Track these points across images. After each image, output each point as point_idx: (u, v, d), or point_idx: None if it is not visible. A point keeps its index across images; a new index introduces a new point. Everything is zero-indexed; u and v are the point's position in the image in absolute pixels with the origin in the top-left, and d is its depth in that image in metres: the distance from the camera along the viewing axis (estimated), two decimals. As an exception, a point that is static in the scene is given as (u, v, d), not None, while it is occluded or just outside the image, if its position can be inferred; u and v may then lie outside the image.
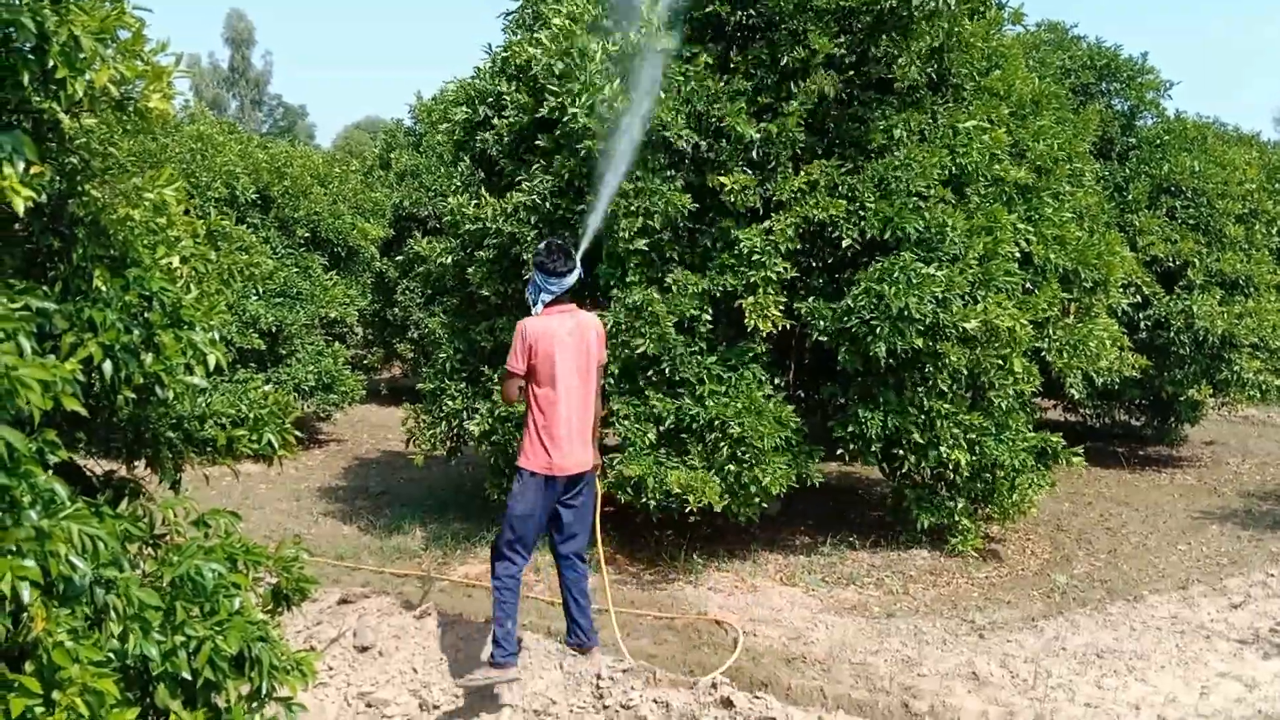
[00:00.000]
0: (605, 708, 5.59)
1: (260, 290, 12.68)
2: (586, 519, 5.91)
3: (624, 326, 7.75)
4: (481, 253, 8.37)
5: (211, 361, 3.60)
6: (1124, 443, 14.62)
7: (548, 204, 7.99)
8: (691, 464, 7.80)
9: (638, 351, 7.74)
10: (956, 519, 8.66)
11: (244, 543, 3.74)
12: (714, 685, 5.61)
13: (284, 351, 13.04)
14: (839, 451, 8.44)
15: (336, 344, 13.85)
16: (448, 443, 9.16)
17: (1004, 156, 8.56)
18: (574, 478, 5.66)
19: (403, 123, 20.75)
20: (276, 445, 4.96)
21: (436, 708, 5.84)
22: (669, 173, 7.89)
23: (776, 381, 8.35)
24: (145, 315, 3.42)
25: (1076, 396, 11.29)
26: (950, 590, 8.11)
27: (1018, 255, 8.41)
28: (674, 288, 7.88)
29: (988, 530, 9.43)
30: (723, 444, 7.66)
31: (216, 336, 3.71)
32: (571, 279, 5.58)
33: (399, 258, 16.28)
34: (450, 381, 8.82)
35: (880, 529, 9.43)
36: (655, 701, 5.56)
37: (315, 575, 4.70)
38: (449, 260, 8.85)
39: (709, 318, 8.00)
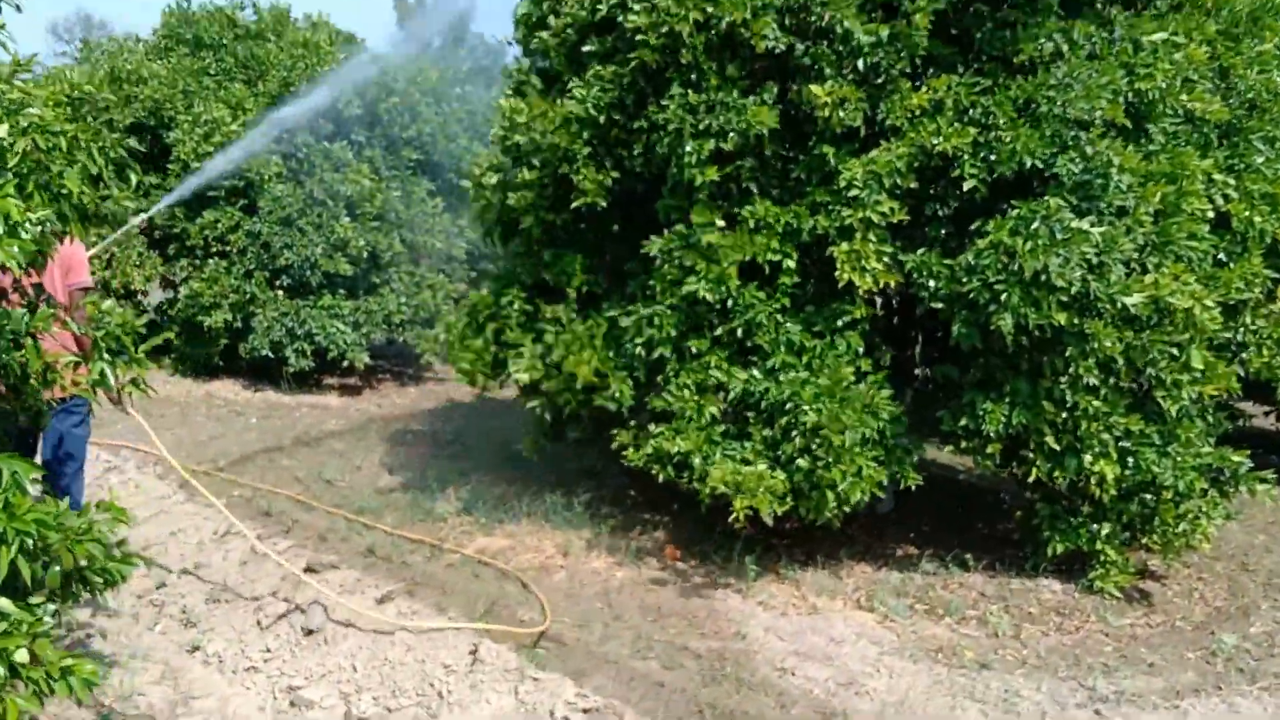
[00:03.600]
0: (546, 761, 4.23)
1: (355, 213, 11.80)
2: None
3: (675, 261, 6.28)
4: (526, 172, 7.02)
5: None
6: (1353, 465, 12.01)
7: (602, 118, 6.56)
8: (754, 452, 6.29)
9: (690, 293, 6.25)
10: (1099, 547, 6.81)
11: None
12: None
13: (377, 280, 12.16)
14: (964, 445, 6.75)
15: (440, 276, 12.86)
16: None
17: (1202, 84, 6.55)
18: None
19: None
20: (112, 380, 3.79)
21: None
22: (749, 84, 6.32)
23: (876, 357, 6.70)
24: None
25: (1291, 403, 9.06)
26: (1076, 640, 6.30)
27: (1210, 215, 6.41)
28: (749, 220, 6.33)
29: (1146, 563, 7.51)
30: (794, 433, 6.11)
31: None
32: None
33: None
34: (515, 299, 7.38)
35: (1009, 547, 7.63)
36: (610, 761, 4.17)
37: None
38: (493, 180, 7.53)
39: (793, 265, 6.42)
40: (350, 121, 12.27)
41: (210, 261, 11.63)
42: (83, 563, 3.35)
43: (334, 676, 4.88)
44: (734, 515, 5.99)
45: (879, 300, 6.98)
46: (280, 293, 11.62)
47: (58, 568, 3.26)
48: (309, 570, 5.84)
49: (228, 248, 11.72)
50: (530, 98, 7.08)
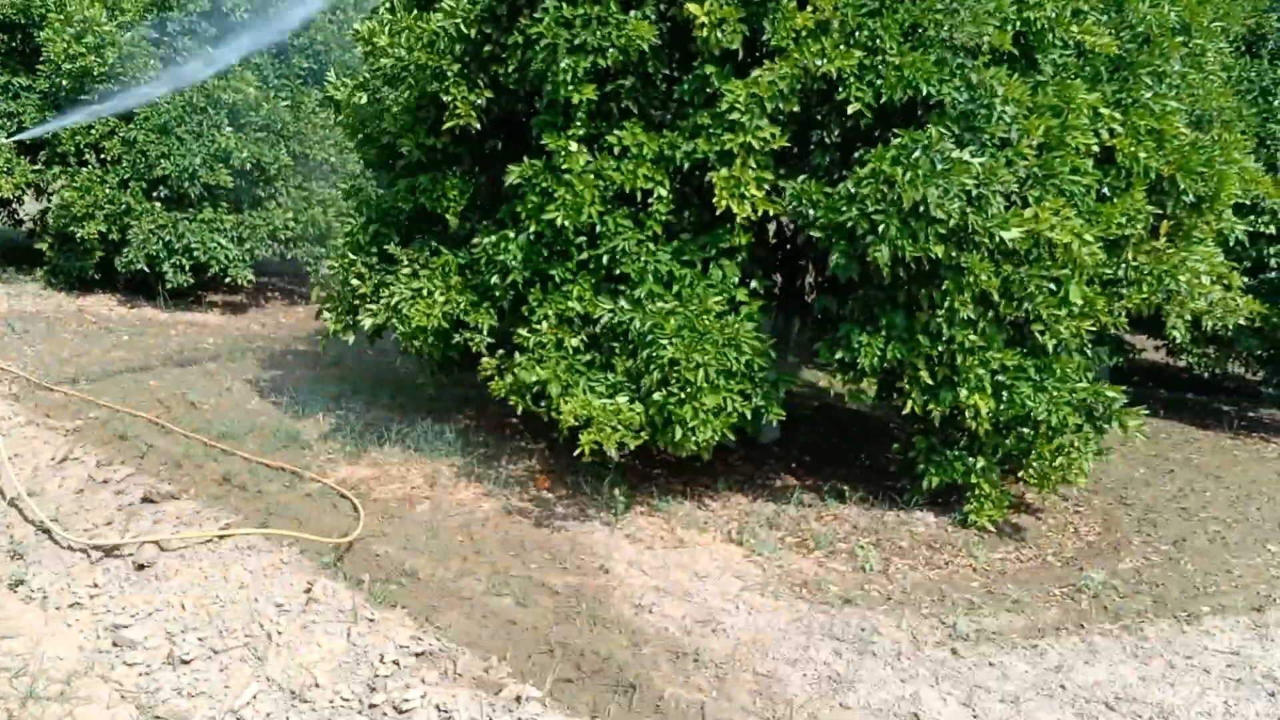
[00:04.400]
0: (372, 707, 4.05)
1: (240, 122, 11.22)
2: None
3: (537, 188, 6.01)
4: (396, 93, 6.63)
5: None
6: (1234, 400, 12.27)
7: (473, 32, 6.19)
8: (614, 384, 6.10)
9: (550, 220, 5.99)
10: (974, 481, 6.80)
11: None
12: (518, 699, 4.02)
13: (263, 194, 11.63)
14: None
15: (333, 192, 12.34)
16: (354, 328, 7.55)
17: (1093, 15, 6.38)
18: None
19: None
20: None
21: (185, 662, 4.38)
22: (630, -2, 6.02)
23: (754, 287, 6.52)
24: None
25: (1178, 339, 9.09)
26: (943, 575, 6.29)
27: (1095, 149, 6.29)
28: (615, 148, 6.06)
29: (1023, 497, 7.54)
30: (653, 366, 5.92)
31: None
32: None
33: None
34: (356, 255, 7.16)
35: (888, 479, 7.60)
36: (439, 709, 4.00)
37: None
38: (363, 101, 7.13)
39: (665, 193, 6.18)
40: (236, 26, 11.61)
41: (84, 170, 10.99)
42: None
43: (162, 615, 4.62)
44: (579, 449, 5.82)
45: (769, 230, 6.78)
46: (158, 204, 11.04)
47: None
48: (146, 500, 5.53)
49: (103, 155, 11.08)
50: (398, 14, 6.67)
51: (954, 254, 5.88)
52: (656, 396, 5.88)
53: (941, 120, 5.88)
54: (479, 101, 6.30)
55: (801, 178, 6.12)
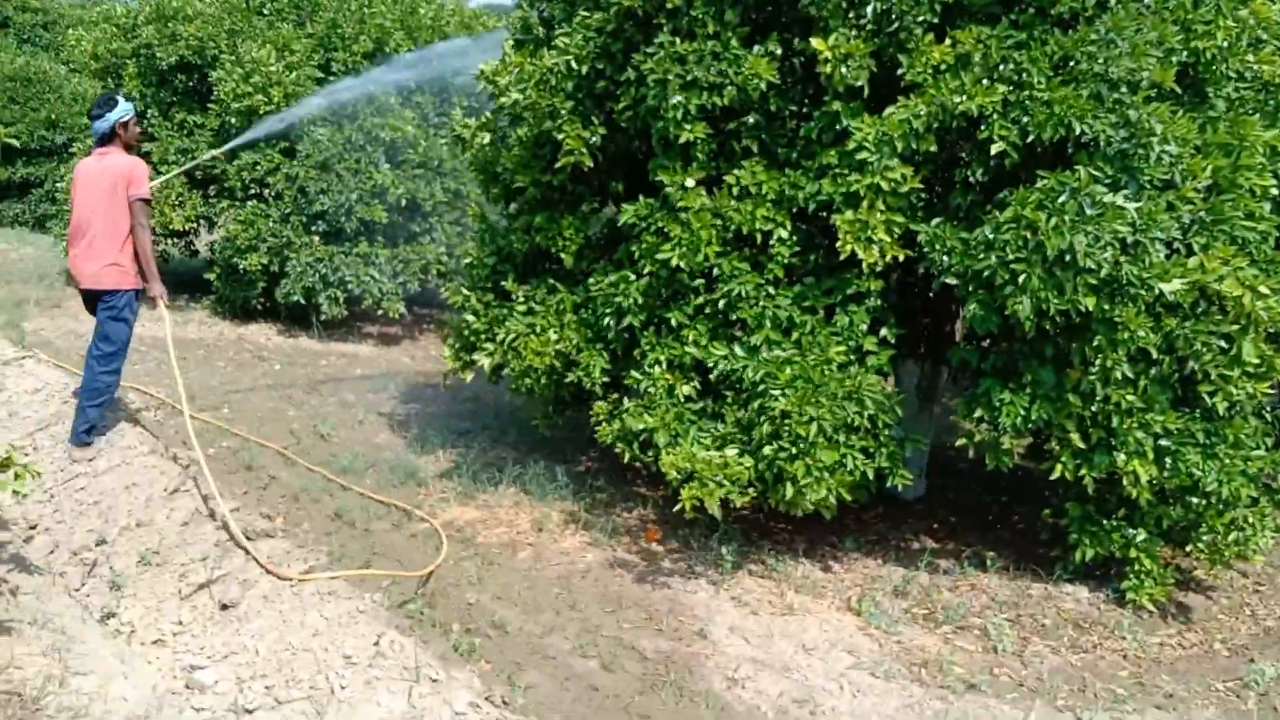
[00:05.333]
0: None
1: (397, 159, 11.49)
2: (102, 329, 6.63)
3: (653, 228, 5.77)
4: (518, 130, 6.54)
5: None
6: None
7: (585, 69, 6.02)
8: (725, 435, 5.78)
9: (665, 261, 5.74)
10: (1134, 554, 6.12)
11: None
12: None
13: (418, 229, 11.85)
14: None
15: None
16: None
17: (1271, 44, 5.70)
18: (90, 291, 6.63)
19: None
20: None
21: (249, 712, 4.28)
22: (749, 33, 5.73)
23: (884, 334, 6.07)
24: None
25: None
26: (1088, 660, 5.65)
27: (1273, 192, 5.60)
28: (734, 188, 5.76)
29: (1193, 572, 6.78)
30: (764, 417, 5.56)
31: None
32: (100, 125, 6.53)
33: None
34: (472, 292, 7.10)
35: (1039, 547, 6.96)
36: None
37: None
38: (486, 141, 7.08)
39: (785, 234, 5.83)
40: (399, 65, 11.94)
41: (249, 204, 11.45)
42: None
43: (237, 658, 4.54)
44: (680, 505, 5.50)
45: (894, 275, 6.35)
46: (316, 238, 11.38)
47: None
48: (248, 535, 5.52)
49: (266, 190, 11.53)
50: (509, 54, 6.59)
51: (1106, 307, 5.31)
52: (767, 450, 5.52)
53: (1092, 161, 5.33)
54: (593, 139, 6.13)
55: (935, 221, 5.66)
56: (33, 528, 5.77)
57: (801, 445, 5.39)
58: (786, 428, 5.41)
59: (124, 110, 6.58)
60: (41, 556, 5.36)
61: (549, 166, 6.55)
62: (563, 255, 6.60)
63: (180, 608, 4.98)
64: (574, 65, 6.01)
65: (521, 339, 6.44)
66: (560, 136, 6.11)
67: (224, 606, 4.95)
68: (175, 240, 12.55)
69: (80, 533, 5.68)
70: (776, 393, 5.48)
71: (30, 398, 7.59)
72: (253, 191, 11.53)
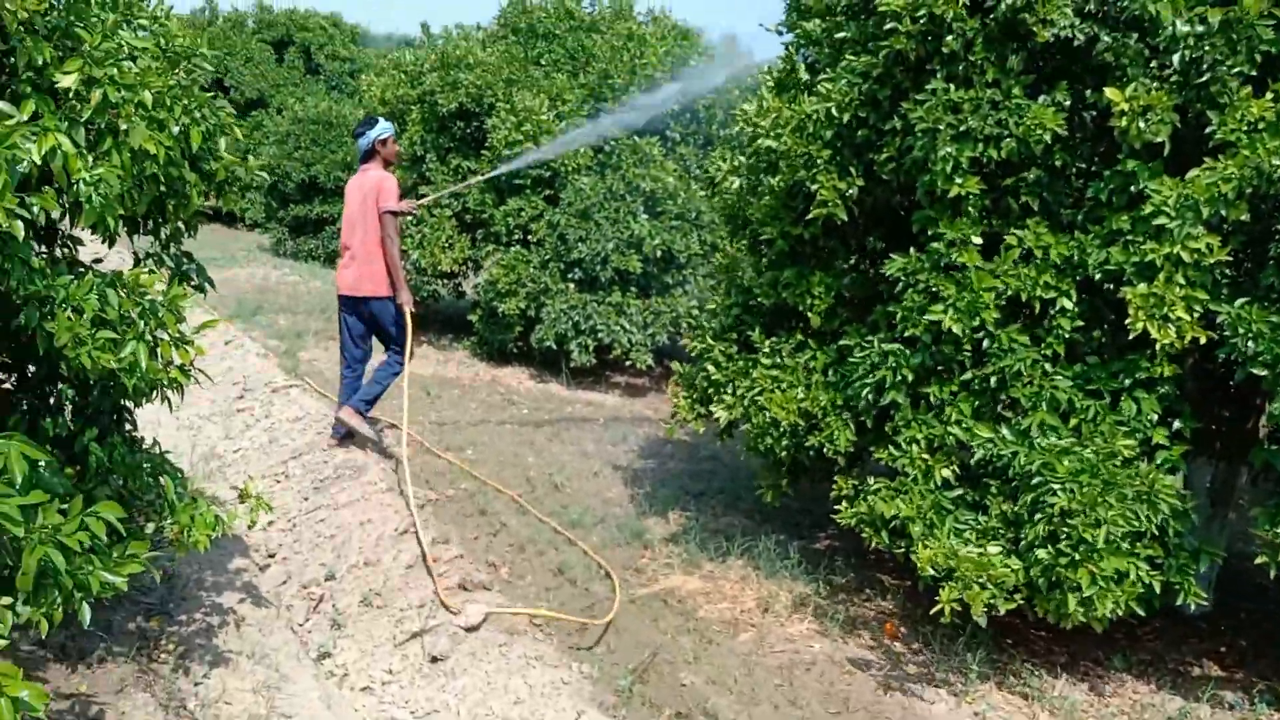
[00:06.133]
0: None
1: (656, 210, 11.45)
2: (381, 329, 7.40)
3: (920, 286, 5.29)
4: (769, 179, 6.21)
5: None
6: None
7: (846, 116, 5.62)
8: (988, 529, 5.15)
9: (934, 324, 5.23)
10: None
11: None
12: None
13: (671, 281, 11.73)
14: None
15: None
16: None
17: None
18: (348, 297, 7.22)
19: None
20: (144, 363, 3.43)
21: (441, 777, 4.08)
22: (1033, 81, 5.17)
23: (1177, 427, 5.28)
24: None
25: None
26: None
27: None
28: (1015, 247, 5.19)
29: None
30: (1038, 514, 4.91)
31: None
32: (362, 141, 7.17)
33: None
34: (715, 342, 6.77)
35: (1357, 687, 5.85)
36: None
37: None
38: (736, 185, 6.77)
39: (1069, 305, 5.19)
40: (666, 117, 11.95)
41: (513, 249, 11.71)
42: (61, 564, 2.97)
43: (439, 716, 4.38)
44: (939, 607, 4.90)
45: (1190, 360, 5.53)
46: (571, 285, 11.48)
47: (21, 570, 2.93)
48: (461, 587, 5.39)
49: (530, 236, 11.76)
50: (767, 98, 6.27)
51: None
52: (1041, 554, 4.86)
53: None
54: (850, 191, 5.70)
55: (1241, 301, 4.86)
56: (270, 556, 5.91)
57: (1084, 550, 4.71)
58: (1068, 529, 4.75)
59: (383, 129, 7.24)
60: (272, 587, 5.45)
61: (800, 218, 6.17)
62: (810, 315, 6.19)
63: (393, 655, 4.89)
64: (835, 113, 5.63)
65: (766, 393, 6.07)
66: (814, 187, 5.73)
67: (433, 659, 4.82)
68: (444, 281, 13.01)
69: (313, 566, 5.75)
70: (1056, 486, 4.83)
71: (290, 426, 7.92)
72: (516, 237, 11.78)
